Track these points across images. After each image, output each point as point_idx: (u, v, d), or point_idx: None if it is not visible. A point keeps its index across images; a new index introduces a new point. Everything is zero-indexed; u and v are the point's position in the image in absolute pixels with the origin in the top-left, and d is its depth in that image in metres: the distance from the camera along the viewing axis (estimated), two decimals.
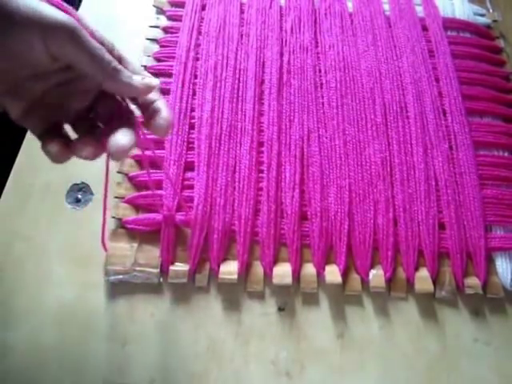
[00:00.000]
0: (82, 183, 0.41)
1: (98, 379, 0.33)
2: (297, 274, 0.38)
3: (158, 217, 0.38)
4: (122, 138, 0.27)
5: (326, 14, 0.52)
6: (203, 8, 0.51)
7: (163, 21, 0.51)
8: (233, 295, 0.37)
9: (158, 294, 0.37)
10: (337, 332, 0.37)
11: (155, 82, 0.29)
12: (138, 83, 0.28)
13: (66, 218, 0.39)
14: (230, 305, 0.37)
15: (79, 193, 0.40)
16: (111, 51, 0.28)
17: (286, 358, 0.35)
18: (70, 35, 0.24)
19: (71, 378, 0.33)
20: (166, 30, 0.50)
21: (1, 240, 0.38)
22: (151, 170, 0.40)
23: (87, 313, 0.35)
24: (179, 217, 0.38)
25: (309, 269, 0.38)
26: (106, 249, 0.36)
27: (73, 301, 0.36)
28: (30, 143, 0.42)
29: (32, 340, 0.34)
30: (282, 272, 0.38)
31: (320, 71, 0.48)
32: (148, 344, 0.35)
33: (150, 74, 0.29)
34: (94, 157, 0.29)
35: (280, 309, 0.37)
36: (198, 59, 0.47)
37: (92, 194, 0.40)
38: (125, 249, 0.37)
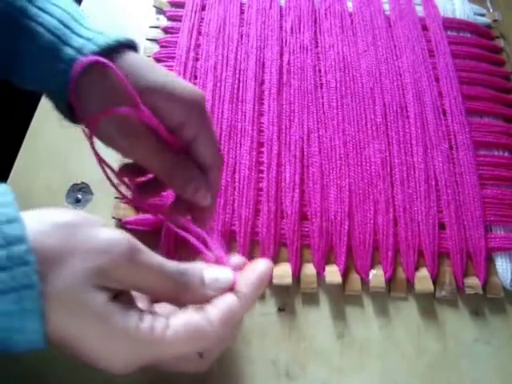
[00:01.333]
0: (82, 183, 0.41)
1: (98, 379, 0.33)
2: (297, 274, 0.38)
3: (157, 217, 0.38)
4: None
5: (325, 14, 0.52)
6: (203, 8, 0.51)
7: (163, 21, 0.51)
8: None
9: None
10: (337, 332, 0.37)
11: (208, 201, 0.31)
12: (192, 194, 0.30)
13: None
14: None
15: (79, 193, 0.40)
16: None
17: (286, 358, 0.35)
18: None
19: (71, 379, 0.33)
20: (165, 30, 0.50)
21: None
22: None
23: None
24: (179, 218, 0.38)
25: (309, 269, 0.38)
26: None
27: None
28: (30, 143, 0.42)
29: None
30: (282, 272, 0.38)
31: (320, 71, 0.48)
32: None
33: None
34: None
35: (280, 309, 0.37)
36: (197, 59, 0.47)
37: (92, 193, 0.40)
38: None
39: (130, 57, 0.27)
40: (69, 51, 0.25)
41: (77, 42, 0.26)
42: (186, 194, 0.30)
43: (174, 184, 0.30)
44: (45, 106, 0.44)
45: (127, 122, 0.27)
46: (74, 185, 0.41)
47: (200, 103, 0.28)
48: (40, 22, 0.26)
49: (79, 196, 0.40)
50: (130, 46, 0.28)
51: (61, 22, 0.26)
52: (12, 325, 0.19)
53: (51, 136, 0.43)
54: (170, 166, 0.29)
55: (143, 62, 0.28)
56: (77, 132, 0.43)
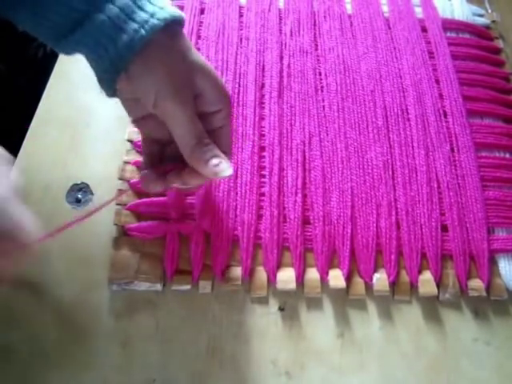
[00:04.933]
0: (82, 183, 0.41)
1: (98, 379, 0.33)
2: (300, 279, 0.38)
3: (161, 224, 0.38)
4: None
5: (325, 17, 0.52)
6: (202, 12, 0.51)
7: None
8: (233, 295, 0.37)
9: (159, 295, 0.37)
10: (337, 331, 0.37)
11: (228, 172, 0.30)
12: (209, 170, 0.29)
13: (66, 218, 0.39)
14: (230, 304, 0.37)
15: (79, 193, 0.40)
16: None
17: (285, 357, 0.35)
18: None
19: (72, 379, 0.33)
20: None
21: None
22: None
23: (88, 313, 0.35)
24: (183, 224, 0.38)
25: (312, 273, 0.38)
26: None
27: (74, 301, 0.36)
28: (31, 143, 0.42)
29: (32, 340, 0.34)
30: (286, 277, 0.37)
31: (320, 74, 0.48)
32: (148, 344, 0.35)
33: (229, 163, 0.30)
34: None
35: (280, 308, 0.37)
36: None
37: (92, 193, 0.40)
38: (127, 257, 0.37)
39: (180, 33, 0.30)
40: (133, 25, 0.27)
41: (140, 16, 0.28)
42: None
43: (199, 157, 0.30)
44: (45, 106, 0.45)
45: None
46: (74, 185, 0.41)
47: (230, 96, 0.32)
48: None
49: (79, 196, 0.40)
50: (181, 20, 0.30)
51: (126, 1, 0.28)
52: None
53: (51, 136, 0.43)
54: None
55: (188, 42, 0.31)
56: (77, 132, 0.43)
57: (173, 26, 0.28)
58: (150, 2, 0.28)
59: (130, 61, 0.27)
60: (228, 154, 0.32)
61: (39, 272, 0.36)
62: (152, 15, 0.27)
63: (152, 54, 0.28)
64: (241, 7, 0.52)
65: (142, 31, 0.27)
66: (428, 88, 0.48)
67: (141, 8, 0.28)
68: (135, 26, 0.27)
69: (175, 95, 0.28)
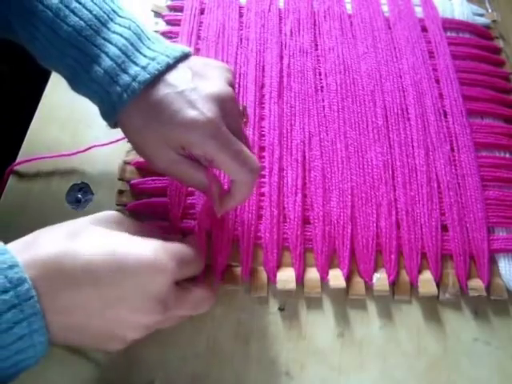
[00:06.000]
0: (82, 183, 0.41)
1: (98, 379, 0.33)
2: (300, 279, 0.38)
3: (161, 224, 0.38)
4: None
5: (325, 17, 0.52)
6: (202, 12, 0.51)
7: (162, 26, 0.51)
8: (233, 295, 0.37)
9: None
10: (337, 331, 0.37)
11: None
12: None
13: (66, 218, 0.39)
14: (230, 305, 0.37)
15: (79, 193, 0.40)
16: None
17: (285, 357, 0.35)
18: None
19: (72, 379, 0.33)
20: (164, 34, 0.49)
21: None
22: (154, 177, 0.40)
23: None
24: (184, 224, 0.38)
25: (312, 273, 0.38)
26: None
27: None
28: (31, 143, 0.43)
29: None
30: (286, 277, 0.37)
31: (320, 74, 0.48)
32: (148, 344, 0.35)
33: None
34: None
35: (280, 308, 0.37)
36: None
37: (92, 193, 0.40)
38: None
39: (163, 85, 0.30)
40: (126, 78, 0.30)
41: (133, 69, 0.30)
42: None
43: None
44: (45, 106, 0.45)
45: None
46: (75, 185, 0.41)
47: (201, 127, 0.29)
48: (105, 51, 0.30)
49: (79, 196, 0.40)
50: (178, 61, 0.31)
51: (122, 51, 0.30)
52: (26, 344, 0.24)
53: (51, 136, 0.43)
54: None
55: (165, 95, 0.30)
56: (77, 132, 0.43)
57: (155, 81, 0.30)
58: (135, 63, 0.30)
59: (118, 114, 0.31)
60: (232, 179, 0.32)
61: None
62: (134, 78, 0.30)
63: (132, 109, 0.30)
64: (241, 7, 0.52)
65: (125, 95, 0.29)
66: (428, 88, 0.48)
67: (125, 71, 0.30)
68: (118, 89, 0.30)
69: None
